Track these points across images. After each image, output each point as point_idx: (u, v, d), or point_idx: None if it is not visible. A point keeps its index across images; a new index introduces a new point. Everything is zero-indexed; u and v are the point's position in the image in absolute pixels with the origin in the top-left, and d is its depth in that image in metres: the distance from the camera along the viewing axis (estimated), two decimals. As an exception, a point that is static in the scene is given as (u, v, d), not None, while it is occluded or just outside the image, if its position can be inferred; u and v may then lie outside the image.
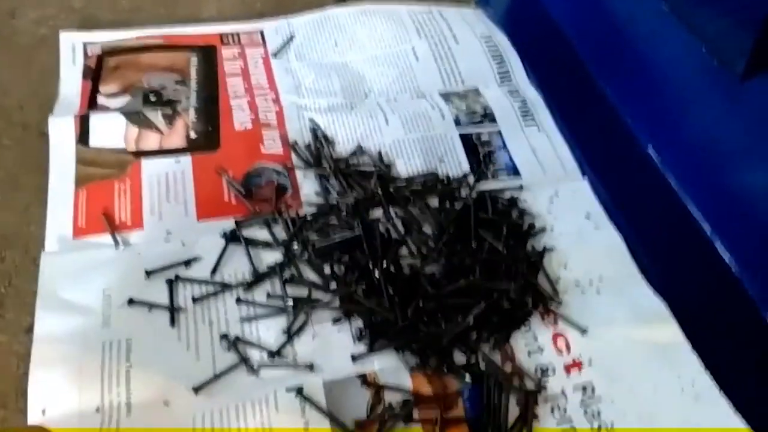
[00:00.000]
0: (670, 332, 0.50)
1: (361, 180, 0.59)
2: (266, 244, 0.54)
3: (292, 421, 0.44)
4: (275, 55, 0.70)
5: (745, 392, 0.46)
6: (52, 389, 0.45)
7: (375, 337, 0.48)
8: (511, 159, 0.63)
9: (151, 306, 0.49)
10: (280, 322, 0.49)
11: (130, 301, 0.49)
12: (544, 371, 0.48)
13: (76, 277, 0.50)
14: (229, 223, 0.55)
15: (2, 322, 0.49)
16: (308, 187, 0.58)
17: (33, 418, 0.43)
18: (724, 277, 0.53)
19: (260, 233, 0.54)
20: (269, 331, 0.49)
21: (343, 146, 0.62)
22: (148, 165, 0.58)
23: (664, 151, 0.61)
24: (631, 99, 0.63)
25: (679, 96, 0.58)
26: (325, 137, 0.62)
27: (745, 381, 0.47)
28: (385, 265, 0.51)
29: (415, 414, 0.45)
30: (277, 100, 0.65)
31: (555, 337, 0.50)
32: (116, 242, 0.53)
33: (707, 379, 0.47)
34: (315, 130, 0.63)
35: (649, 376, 0.48)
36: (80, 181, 0.56)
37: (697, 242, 0.56)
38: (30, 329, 0.48)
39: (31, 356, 0.46)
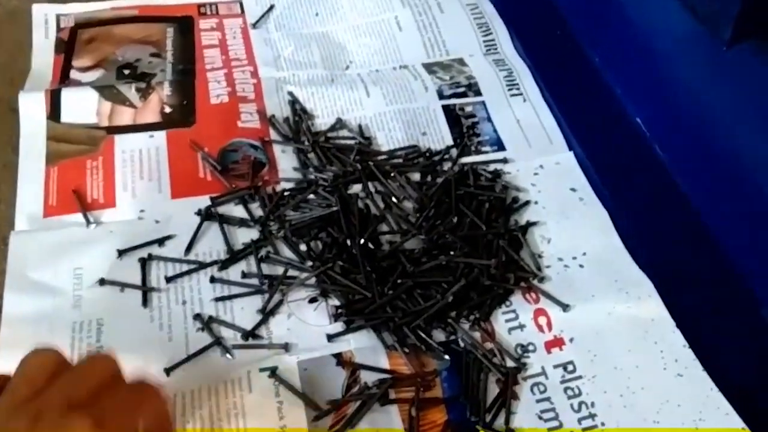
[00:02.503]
0: (654, 309, 0.49)
1: (341, 154, 0.57)
2: (242, 222, 0.52)
3: (266, 402, 0.43)
4: (254, 25, 0.68)
5: (729, 369, 0.45)
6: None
7: (351, 316, 0.47)
8: (495, 131, 0.61)
9: (123, 286, 0.48)
10: (255, 302, 0.48)
11: (102, 281, 0.48)
12: (525, 349, 0.47)
13: (46, 257, 0.49)
14: (204, 201, 0.53)
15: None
16: (286, 162, 0.57)
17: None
18: (710, 250, 0.52)
19: (236, 210, 0.53)
20: (244, 310, 0.48)
21: (323, 120, 0.60)
22: (121, 141, 0.57)
23: (651, 121, 0.59)
24: (618, 69, 0.61)
25: (666, 65, 0.57)
26: (304, 110, 0.61)
27: (728, 358, 0.46)
28: (362, 242, 0.50)
29: (392, 394, 0.44)
30: (255, 73, 0.63)
31: (536, 313, 0.49)
32: (87, 221, 0.51)
33: (690, 355, 0.46)
34: (294, 104, 0.61)
35: (632, 353, 0.47)
36: (51, 158, 0.55)
37: (684, 216, 0.55)
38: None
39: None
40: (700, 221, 0.54)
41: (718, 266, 0.51)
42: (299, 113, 0.60)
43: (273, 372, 0.44)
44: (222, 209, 0.53)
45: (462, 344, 0.47)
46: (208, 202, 0.53)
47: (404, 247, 0.51)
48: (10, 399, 0.30)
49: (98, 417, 0.29)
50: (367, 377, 0.45)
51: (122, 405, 0.31)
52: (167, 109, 0.59)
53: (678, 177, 0.56)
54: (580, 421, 0.44)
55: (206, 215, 0.52)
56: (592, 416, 0.44)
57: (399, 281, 0.49)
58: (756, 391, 0.44)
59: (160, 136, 0.57)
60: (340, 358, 0.45)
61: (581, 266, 0.52)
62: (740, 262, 0.51)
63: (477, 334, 0.48)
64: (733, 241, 0.52)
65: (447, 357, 0.46)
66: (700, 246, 0.53)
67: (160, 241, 0.51)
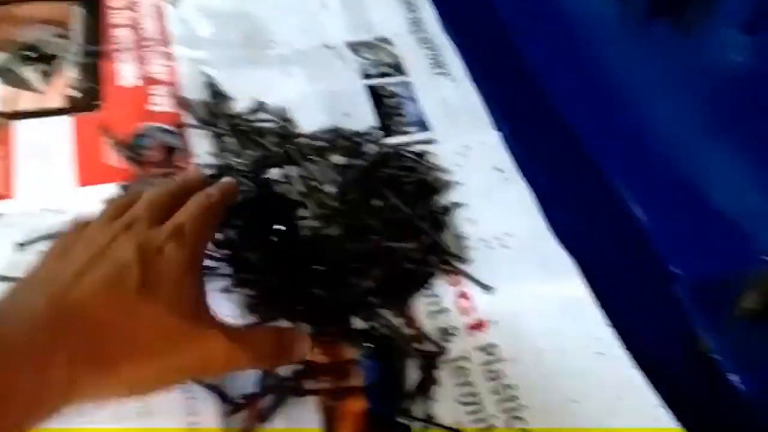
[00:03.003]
0: (576, 289, 0.48)
1: (260, 138, 0.55)
2: (153, 210, 0.50)
3: (174, 398, 0.41)
4: (172, 4, 0.65)
5: (645, 347, 0.45)
6: None
7: (267, 307, 0.46)
8: (420, 111, 0.60)
9: (22, 281, 0.45)
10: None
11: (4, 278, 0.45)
12: (447, 333, 0.46)
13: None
14: (113, 189, 0.51)
15: None
16: (202, 147, 0.55)
17: None
18: (631, 230, 0.52)
19: (147, 198, 0.51)
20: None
21: (242, 102, 0.58)
22: (23, 127, 0.53)
23: (573, 99, 0.59)
24: (540, 47, 0.61)
25: (587, 41, 0.56)
26: (221, 93, 0.58)
27: (647, 337, 0.46)
28: (280, 229, 0.48)
29: (309, 385, 0.43)
30: (169, 54, 0.60)
31: (459, 296, 0.48)
32: (-14, 213, 0.48)
33: (610, 334, 0.46)
34: (210, 86, 0.58)
35: (554, 334, 0.46)
36: (-55, 149, 0.51)
37: (606, 195, 0.55)
38: None
39: None
40: (622, 200, 0.54)
41: (636, 245, 0.51)
42: (216, 96, 0.58)
43: (183, 367, 0.42)
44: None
45: (382, 331, 0.46)
46: (117, 190, 0.50)
47: (325, 233, 0.50)
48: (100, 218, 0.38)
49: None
50: (284, 369, 0.43)
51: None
52: (73, 93, 0.56)
53: (600, 156, 0.56)
54: (501, 403, 0.43)
55: (114, 204, 0.49)
56: (514, 398, 0.43)
57: (319, 268, 0.47)
58: (669, 369, 0.44)
59: (66, 121, 0.54)
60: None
61: (505, 247, 0.51)
62: (658, 242, 0.51)
63: (398, 320, 0.47)
64: (653, 220, 0.52)
65: (366, 344, 0.45)
66: (620, 225, 0.53)
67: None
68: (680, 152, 0.49)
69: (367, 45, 0.64)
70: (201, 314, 0.36)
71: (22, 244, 0.47)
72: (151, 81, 0.58)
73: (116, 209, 0.39)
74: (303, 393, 0.42)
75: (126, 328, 0.33)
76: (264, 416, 0.41)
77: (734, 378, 0.42)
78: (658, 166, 0.51)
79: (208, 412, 0.41)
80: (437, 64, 0.64)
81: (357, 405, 0.42)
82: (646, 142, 0.52)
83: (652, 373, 0.43)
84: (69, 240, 0.37)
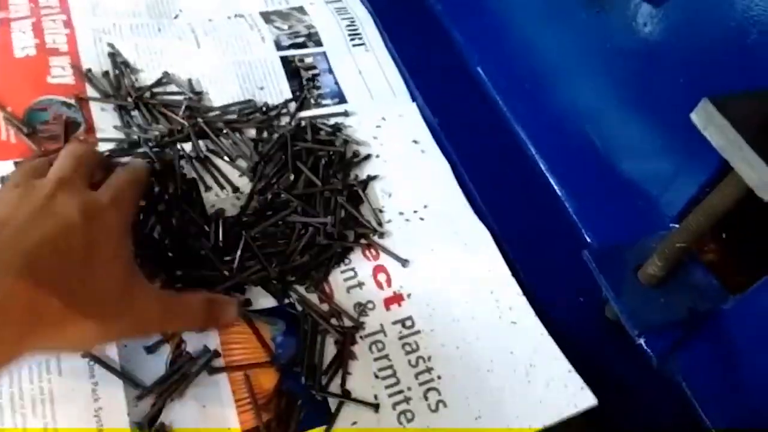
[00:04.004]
0: (490, 259, 0.49)
1: (168, 111, 0.53)
2: (52, 188, 0.47)
3: (79, 385, 0.39)
4: (73, -31, 0.61)
5: (560, 315, 0.46)
6: None
7: (177, 284, 0.44)
8: (336, 83, 0.59)
9: None
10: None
11: None
12: (364, 307, 0.46)
13: None
14: (8, 166, 0.47)
15: None
16: (106, 121, 0.52)
17: None
18: (547, 200, 0.53)
19: (45, 176, 0.48)
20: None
21: (148, 74, 0.55)
22: None
23: (490, 71, 0.59)
24: (459, 17, 0.60)
25: (506, 15, 0.56)
26: (126, 64, 0.55)
27: (560, 304, 0.47)
28: (183, 209, 0.46)
29: (220, 363, 0.42)
30: (68, 22, 0.57)
31: (376, 270, 0.48)
32: None
33: (524, 302, 0.46)
34: (114, 56, 0.55)
35: (469, 304, 0.46)
36: None
37: (522, 165, 0.55)
38: None
39: None
40: (537, 169, 0.54)
41: (551, 213, 0.52)
42: (120, 67, 0.55)
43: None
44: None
45: (298, 307, 0.45)
46: (12, 168, 0.47)
47: (239, 210, 0.48)
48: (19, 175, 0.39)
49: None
50: (194, 348, 0.42)
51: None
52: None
53: (516, 125, 0.57)
54: (417, 376, 0.43)
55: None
56: (429, 370, 0.43)
57: (238, 246, 0.46)
58: (581, 335, 0.45)
59: (-48, 94, 0.50)
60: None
61: (422, 219, 0.51)
62: (572, 209, 0.52)
63: (314, 296, 0.46)
64: (567, 188, 0.53)
65: (281, 321, 0.44)
66: (536, 194, 0.53)
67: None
68: (592, 123, 0.50)
69: (281, 14, 0.62)
70: (136, 277, 0.38)
71: None
72: (49, 51, 0.54)
73: (34, 168, 0.40)
74: (214, 371, 0.41)
75: (71, 287, 0.34)
76: (168, 395, 0.40)
77: (641, 342, 0.43)
78: (571, 135, 0.51)
79: (114, 397, 0.39)
80: (354, 34, 0.62)
81: (269, 382, 0.42)
82: (561, 113, 0.52)
83: (564, 340, 0.44)
84: None
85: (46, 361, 0.40)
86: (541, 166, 0.54)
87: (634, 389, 0.44)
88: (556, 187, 0.53)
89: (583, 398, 0.42)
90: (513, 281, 0.48)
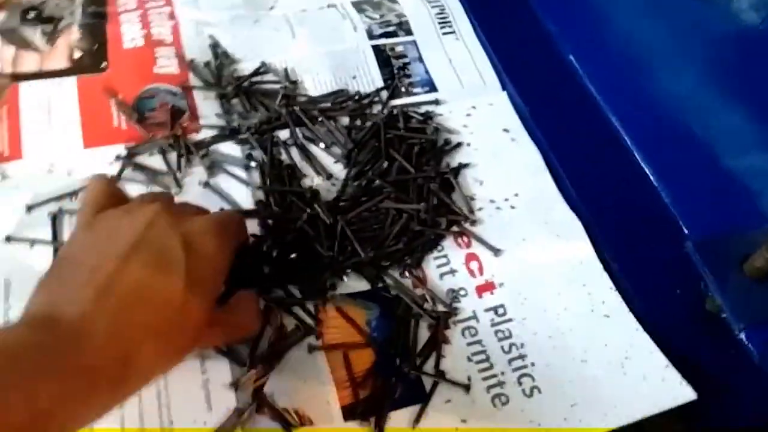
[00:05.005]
0: (582, 250, 0.48)
1: (266, 100, 0.55)
2: (160, 172, 0.50)
3: (188, 360, 0.41)
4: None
5: (655, 309, 0.45)
6: None
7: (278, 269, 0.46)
8: (427, 72, 0.59)
9: (32, 242, 0.45)
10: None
11: (8, 238, 0.45)
12: (456, 294, 0.46)
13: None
14: (119, 150, 0.50)
15: None
16: (208, 109, 0.54)
17: None
18: (643, 190, 0.52)
19: (154, 161, 0.50)
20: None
21: (246, 64, 0.57)
22: (27, 88, 0.53)
23: (584, 59, 0.58)
24: (551, 5, 0.60)
25: (599, 2, 0.55)
26: (226, 54, 0.57)
27: (655, 298, 0.46)
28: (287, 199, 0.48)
29: (319, 342, 0.43)
30: (172, 15, 0.60)
31: (468, 258, 0.48)
32: (-6, 175, 0.48)
33: (617, 297, 0.46)
34: (215, 47, 0.58)
35: (561, 295, 0.46)
36: (-50, 109, 0.51)
37: (616, 155, 0.54)
38: None
39: None
40: (632, 159, 0.53)
41: (646, 204, 0.51)
42: (221, 57, 0.57)
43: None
44: (139, 159, 0.50)
45: (392, 291, 0.46)
46: (124, 152, 0.50)
47: (333, 196, 0.50)
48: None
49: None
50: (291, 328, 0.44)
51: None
52: (77, 54, 0.55)
53: (610, 114, 0.56)
54: (510, 362, 0.43)
55: (122, 166, 0.49)
56: (522, 357, 0.44)
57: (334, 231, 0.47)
58: (678, 329, 0.44)
59: (70, 82, 0.53)
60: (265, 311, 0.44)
61: (513, 207, 0.51)
62: (668, 199, 0.51)
63: (408, 281, 0.47)
64: (663, 178, 0.52)
65: (375, 304, 0.45)
66: (630, 184, 0.52)
67: (73, 194, 0.48)
68: (692, 113, 0.49)
69: (373, 4, 0.63)
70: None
71: (30, 207, 0.47)
72: (155, 42, 0.57)
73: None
74: (313, 349, 0.43)
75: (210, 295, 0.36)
76: (270, 365, 0.41)
77: (742, 337, 0.42)
78: (670, 126, 0.50)
79: (220, 370, 0.41)
80: (444, 22, 0.63)
81: (366, 361, 0.43)
82: (659, 103, 0.51)
83: (660, 335, 0.44)
84: (100, 220, 0.37)
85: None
86: (637, 156, 0.53)
87: (733, 385, 0.43)
88: (652, 178, 0.52)
89: (682, 392, 0.41)
90: (605, 275, 0.47)
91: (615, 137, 0.55)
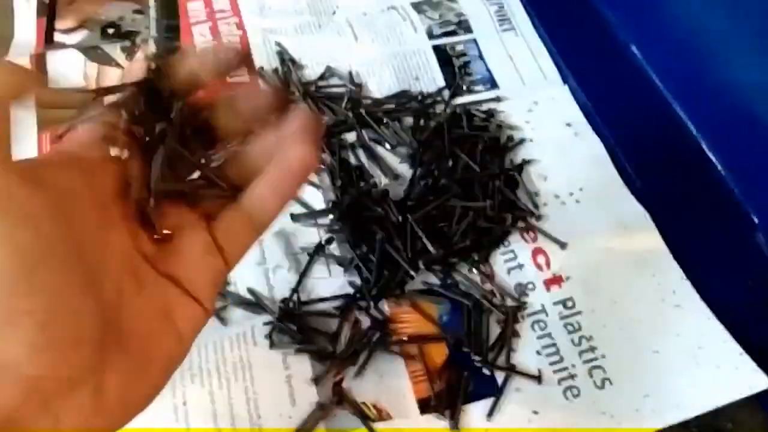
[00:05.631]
0: (651, 241, 0.49)
1: (332, 103, 0.57)
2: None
3: (271, 355, 0.44)
4: (238, -26, 0.66)
5: (726, 298, 0.45)
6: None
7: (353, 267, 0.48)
8: (488, 69, 0.60)
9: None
10: (254, 256, 0.48)
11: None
12: (524, 288, 0.48)
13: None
14: (198, 158, 0.53)
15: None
16: (278, 114, 0.56)
17: None
18: (707, 177, 0.52)
19: (230, 166, 0.53)
20: (247, 268, 0.48)
21: (312, 69, 0.59)
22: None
23: (647, 50, 0.58)
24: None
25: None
26: (293, 60, 0.60)
27: (726, 287, 0.46)
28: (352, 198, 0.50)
29: (394, 337, 0.45)
30: (240, 24, 0.62)
31: (535, 252, 0.49)
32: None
33: (688, 286, 0.46)
34: (281, 54, 0.60)
35: (630, 287, 0.47)
36: (42, 125, 0.55)
37: (682, 145, 0.54)
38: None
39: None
40: (699, 148, 0.53)
41: (714, 194, 0.51)
42: (288, 63, 0.59)
43: (276, 327, 0.45)
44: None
45: (462, 287, 0.47)
46: (202, 160, 0.53)
47: (399, 194, 0.51)
48: None
49: None
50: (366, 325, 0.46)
51: None
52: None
53: (675, 104, 0.55)
54: (581, 354, 0.44)
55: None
56: (593, 349, 0.45)
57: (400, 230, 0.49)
58: (752, 318, 0.44)
59: (149, 95, 0.56)
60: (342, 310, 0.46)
61: (578, 201, 0.52)
62: (737, 189, 0.50)
63: (476, 277, 0.48)
64: (731, 167, 0.51)
65: (446, 300, 0.47)
66: (697, 174, 0.52)
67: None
68: (761, 100, 0.48)
69: (432, 4, 0.64)
70: None
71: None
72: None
73: None
74: (390, 344, 0.45)
75: None
76: (360, 369, 0.43)
77: (817, 325, 0.42)
78: (737, 114, 0.50)
79: (301, 366, 0.44)
80: (503, 19, 0.63)
81: (439, 355, 0.45)
82: (725, 90, 0.51)
83: (732, 323, 0.44)
84: None
85: (243, 332, 0.45)
86: (703, 145, 0.52)
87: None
88: (720, 168, 0.51)
89: (757, 380, 0.41)
90: (675, 265, 0.48)
91: (680, 127, 0.55)
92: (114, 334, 0.23)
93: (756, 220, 0.49)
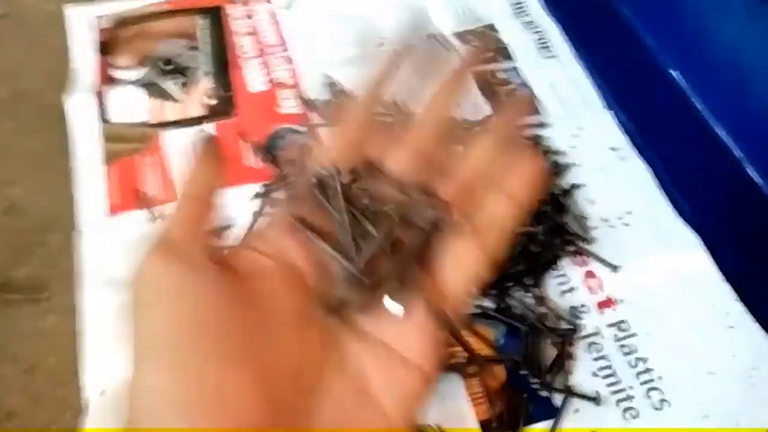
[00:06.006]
0: (701, 263, 0.50)
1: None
2: (294, 207, 0.54)
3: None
4: (287, 7, 0.69)
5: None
6: (107, 366, 0.47)
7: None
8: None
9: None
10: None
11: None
12: (578, 311, 0.49)
13: (117, 253, 0.52)
14: (256, 188, 0.55)
15: (50, 304, 0.52)
16: (331, 144, 0.59)
17: (92, 397, 0.46)
18: (756, 201, 0.53)
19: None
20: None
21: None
22: (171, 136, 0.59)
23: (688, 74, 0.59)
24: (651, 20, 0.61)
25: (700, 16, 0.56)
26: (342, 91, 0.62)
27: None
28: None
29: (453, 360, 0.46)
30: (289, 58, 0.64)
31: (586, 275, 0.51)
32: (152, 216, 0.54)
33: (740, 307, 0.47)
34: (331, 85, 0.62)
35: (682, 308, 0.48)
36: (107, 159, 0.57)
37: (727, 167, 0.55)
38: (76, 309, 0.50)
39: (81, 335, 0.48)
40: (743, 171, 0.54)
41: (760, 216, 0.52)
42: (337, 94, 0.61)
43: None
44: (276, 195, 0.55)
45: (517, 311, 0.49)
46: (261, 190, 0.55)
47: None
48: None
49: None
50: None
51: None
52: (210, 101, 0.61)
53: (717, 127, 0.57)
54: (637, 375, 0.46)
55: (262, 203, 0.54)
56: (649, 371, 0.46)
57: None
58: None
59: (209, 128, 0.59)
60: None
61: (626, 225, 0.53)
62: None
63: (530, 300, 0.49)
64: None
65: (501, 324, 0.48)
66: (743, 196, 0.53)
67: (221, 231, 0.53)
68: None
69: (474, 33, 0.66)
70: None
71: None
72: (277, 85, 0.62)
73: None
74: (448, 369, 0.46)
75: None
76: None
77: None
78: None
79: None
80: (544, 46, 0.65)
81: (498, 378, 0.46)
82: (766, 112, 0.52)
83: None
84: None
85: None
86: (748, 169, 0.54)
87: None
88: (765, 190, 0.52)
89: (814, 401, 0.42)
90: (727, 286, 0.49)
91: (723, 149, 0.56)
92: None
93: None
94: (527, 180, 0.27)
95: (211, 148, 0.26)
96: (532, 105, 0.28)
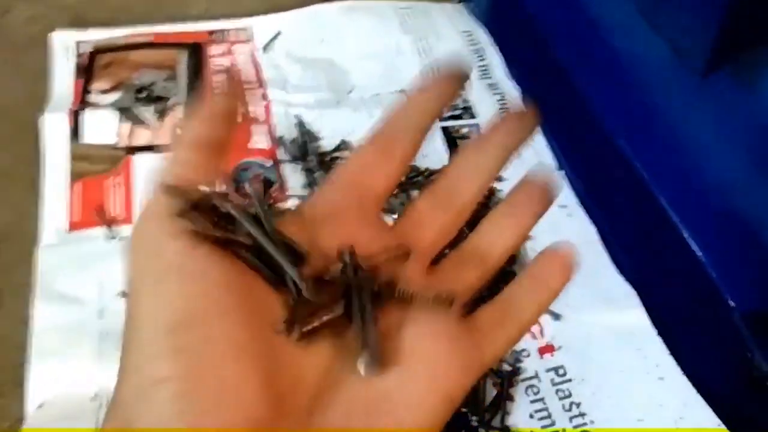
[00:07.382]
0: (637, 317, 0.53)
1: (346, 173, 0.61)
2: (254, 236, 0.56)
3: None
4: (263, 49, 0.72)
5: (706, 372, 0.49)
6: (49, 379, 0.47)
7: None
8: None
9: (144, 296, 0.51)
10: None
11: (123, 294, 0.51)
12: (519, 354, 0.51)
13: (72, 269, 0.53)
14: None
15: (1, 313, 0.52)
16: (295, 181, 0.61)
17: (31, 408, 0.46)
18: (691, 264, 0.56)
19: (249, 225, 0.57)
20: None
21: (328, 141, 0.64)
22: (140, 160, 0.60)
23: (634, 142, 0.63)
24: (602, 94, 0.65)
25: (647, 89, 0.61)
26: (310, 132, 0.64)
27: (706, 362, 0.50)
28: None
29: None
30: (265, 96, 0.67)
31: (530, 322, 0.53)
32: (110, 235, 0.55)
33: (671, 361, 0.50)
34: (301, 125, 0.65)
35: (618, 359, 0.50)
36: (74, 176, 0.58)
37: (665, 232, 0.59)
38: (27, 321, 0.50)
39: (28, 347, 0.48)
40: (680, 236, 0.58)
41: (694, 277, 0.55)
42: (306, 135, 0.64)
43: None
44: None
45: (461, 350, 0.51)
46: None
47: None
48: None
49: None
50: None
51: None
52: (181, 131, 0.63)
53: (659, 196, 0.61)
54: (571, 419, 0.47)
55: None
56: (582, 415, 0.48)
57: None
58: (728, 393, 0.48)
59: (177, 155, 0.61)
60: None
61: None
62: (715, 274, 0.55)
63: (475, 341, 0.51)
64: (709, 254, 0.56)
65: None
66: (679, 258, 0.57)
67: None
68: (735, 191, 0.53)
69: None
70: None
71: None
72: (250, 120, 0.64)
73: None
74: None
75: None
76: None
77: (789, 403, 0.45)
78: (714, 202, 0.55)
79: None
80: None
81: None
82: (703, 181, 0.56)
83: (711, 396, 0.47)
84: None
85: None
86: (684, 234, 0.57)
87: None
88: (699, 254, 0.56)
89: (733, 451, 0.45)
90: (659, 339, 0.51)
91: (663, 214, 0.60)
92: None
93: (732, 304, 0.53)
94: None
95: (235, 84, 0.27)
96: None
